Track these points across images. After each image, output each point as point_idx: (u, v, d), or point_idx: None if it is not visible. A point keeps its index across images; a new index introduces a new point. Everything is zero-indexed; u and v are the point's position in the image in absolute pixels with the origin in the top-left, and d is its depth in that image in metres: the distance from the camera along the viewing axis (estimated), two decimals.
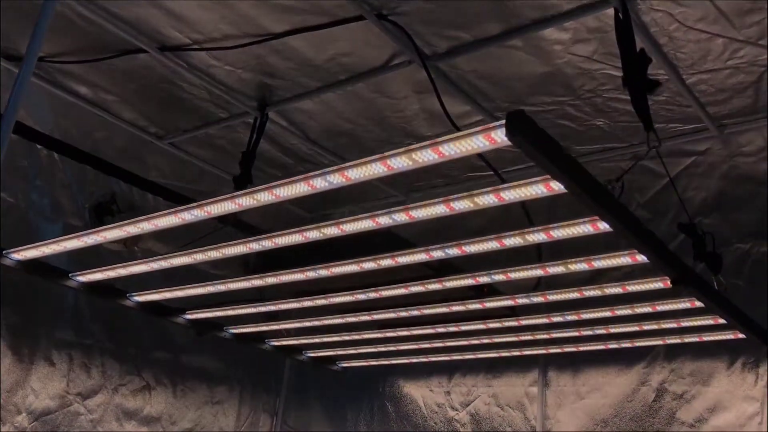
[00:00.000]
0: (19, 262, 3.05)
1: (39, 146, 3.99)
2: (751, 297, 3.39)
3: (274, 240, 2.54)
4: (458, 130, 3.53)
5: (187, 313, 3.59)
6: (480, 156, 3.56)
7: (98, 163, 4.18)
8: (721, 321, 2.91)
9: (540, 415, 3.88)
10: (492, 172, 3.56)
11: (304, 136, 4.23)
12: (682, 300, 2.77)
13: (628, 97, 3.45)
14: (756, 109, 3.54)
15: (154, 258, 2.90)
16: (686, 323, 3.02)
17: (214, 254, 2.73)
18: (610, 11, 2.94)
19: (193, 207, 2.36)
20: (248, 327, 3.74)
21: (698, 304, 2.76)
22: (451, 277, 2.74)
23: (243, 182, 3.80)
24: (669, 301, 2.81)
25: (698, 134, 3.76)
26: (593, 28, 3.10)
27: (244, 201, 2.27)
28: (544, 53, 3.30)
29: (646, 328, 3.13)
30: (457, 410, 4.19)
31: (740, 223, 3.62)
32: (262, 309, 3.32)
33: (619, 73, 3.26)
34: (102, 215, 4.20)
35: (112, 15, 3.32)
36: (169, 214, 2.43)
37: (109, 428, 4.08)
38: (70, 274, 3.21)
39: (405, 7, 3.09)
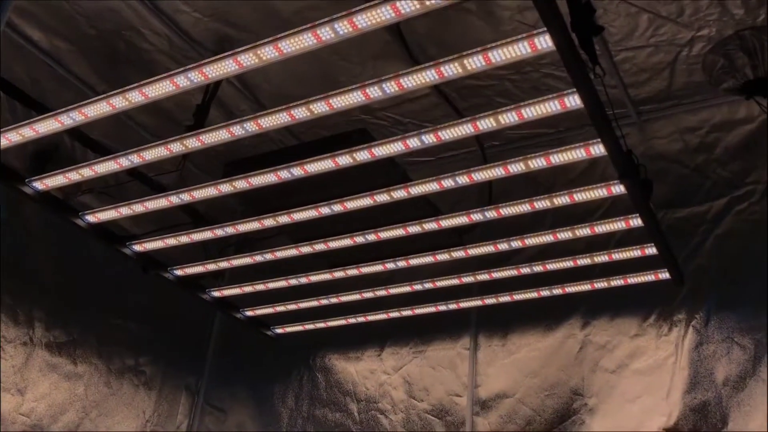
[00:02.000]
0: None
1: None
2: None
3: (258, 121, 2.67)
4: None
5: (135, 244, 3.57)
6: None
7: (44, 111, 4.17)
8: (649, 252, 3.23)
9: (471, 371, 4.04)
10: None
11: (254, 100, 4.38)
12: (619, 218, 3.08)
13: (563, 74, 3.95)
14: (669, 95, 4.02)
15: (125, 152, 2.93)
16: (617, 255, 3.31)
17: (193, 143, 2.81)
18: None
19: (191, 68, 2.47)
20: (192, 266, 3.74)
21: (633, 223, 3.07)
22: (417, 182, 2.93)
23: (200, 118, 3.90)
24: (607, 220, 3.12)
25: (621, 120, 4.19)
26: None
27: (226, 65, 2.39)
28: (494, 19, 3.66)
29: (580, 263, 3.40)
30: (389, 374, 4.28)
31: (653, 194, 4.02)
32: (218, 231, 3.36)
33: None
34: (43, 163, 4.15)
35: None
36: (163, 78, 2.52)
37: (29, 377, 3.90)
38: (26, 179, 3.17)
39: None
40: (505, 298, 3.78)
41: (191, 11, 3.79)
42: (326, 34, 2.27)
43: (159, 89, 2.54)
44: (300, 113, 2.59)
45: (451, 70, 2.34)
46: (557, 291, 3.66)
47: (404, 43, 3.67)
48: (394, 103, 4.31)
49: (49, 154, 4.18)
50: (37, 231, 4.06)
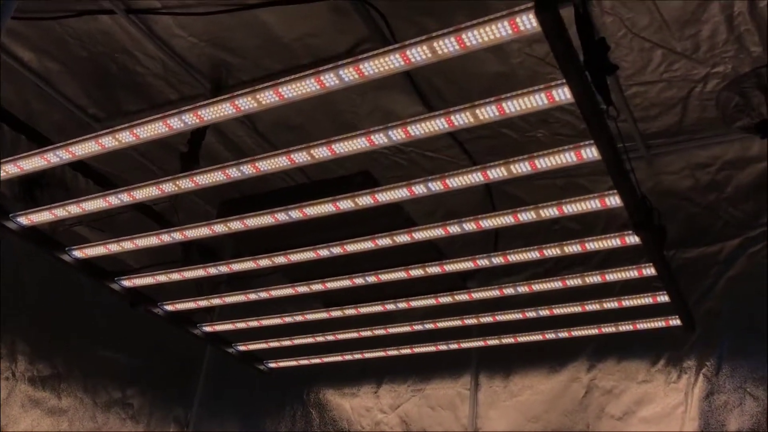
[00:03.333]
0: None
1: None
2: None
3: (255, 164, 2.52)
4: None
5: (125, 278, 3.42)
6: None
7: (33, 135, 4.04)
8: (661, 299, 3.09)
9: (471, 413, 3.89)
10: None
11: (252, 127, 4.23)
12: (631, 267, 2.94)
13: (572, 108, 3.82)
14: (680, 130, 3.88)
15: (115, 190, 2.79)
16: (628, 302, 3.18)
17: (186, 183, 2.66)
18: (567, 11, 3.19)
19: (185, 110, 2.33)
20: (183, 302, 3.59)
21: (645, 272, 2.94)
22: (422, 227, 2.79)
23: (190, 160, 3.76)
24: (619, 269, 2.98)
25: (628, 154, 4.06)
26: None
27: (223, 108, 2.25)
28: (503, 52, 3.52)
29: (589, 308, 3.26)
30: (385, 413, 4.14)
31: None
32: (211, 270, 3.21)
33: None
34: (32, 189, 4.00)
35: None
36: (156, 120, 2.38)
37: (9, 413, 3.73)
38: (10, 214, 3.01)
39: None
40: (508, 340, 3.64)
41: (187, 35, 3.64)
42: (330, 80, 2.12)
43: (151, 130, 2.39)
44: (300, 158, 2.45)
45: (462, 119, 2.21)
46: (563, 334, 3.53)
47: (410, 78, 3.52)
48: None
49: (36, 177, 4.03)
50: (21, 258, 3.91)
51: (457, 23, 3.32)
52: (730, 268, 3.66)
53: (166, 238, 3.01)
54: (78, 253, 3.23)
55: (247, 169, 2.54)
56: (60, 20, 3.62)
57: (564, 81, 2.05)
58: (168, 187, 2.69)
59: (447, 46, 1.96)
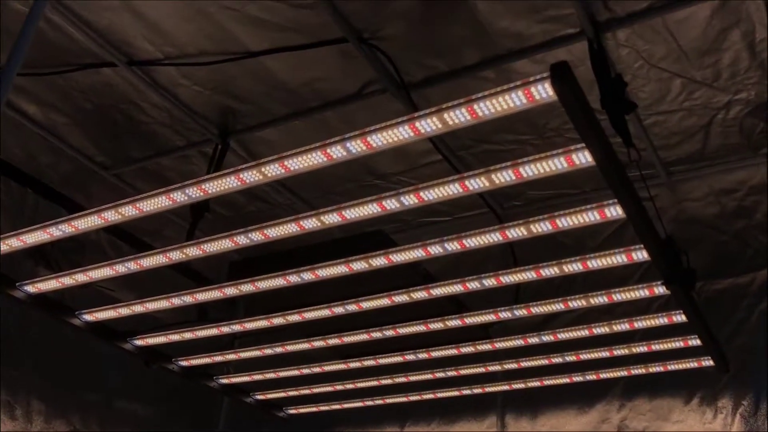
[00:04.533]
0: None
1: None
2: None
3: (264, 231, 2.43)
4: (455, 170, 3.68)
5: (137, 338, 3.34)
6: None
7: (41, 189, 3.99)
8: (693, 343, 2.97)
9: None
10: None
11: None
12: (660, 315, 2.82)
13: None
14: (703, 156, 3.74)
15: (121, 259, 2.71)
16: (657, 346, 3.05)
17: (193, 251, 2.58)
18: (581, 45, 3.10)
19: (189, 185, 2.24)
20: (198, 358, 3.50)
21: (676, 319, 2.81)
22: (440, 283, 2.69)
23: (200, 209, 3.69)
24: (648, 316, 2.86)
25: (648, 181, 3.92)
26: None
27: (227, 182, 2.16)
28: None
29: (617, 353, 3.14)
30: None
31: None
32: (225, 329, 3.13)
33: None
34: (41, 244, 3.93)
35: (84, 22, 3.23)
36: (160, 194, 2.29)
37: None
38: (17, 284, 2.94)
39: (388, 31, 3.15)
40: (534, 383, 3.52)
41: (191, 84, 3.56)
42: (337, 152, 2.02)
43: (154, 204, 2.31)
44: (310, 224, 2.35)
45: (477, 183, 2.10)
46: (591, 377, 3.41)
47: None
48: (409, 167, 4.06)
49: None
50: (32, 314, 3.84)
51: (465, 62, 3.30)
52: (763, 300, 3.51)
53: (176, 301, 2.93)
54: (89, 317, 3.15)
55: (256, 236, 2.45)
56: (63, 74, 3.56)
57: (584, 145, 1.93)
58: (175, 255, 2.61)
59: (458, 116, 1.85)
